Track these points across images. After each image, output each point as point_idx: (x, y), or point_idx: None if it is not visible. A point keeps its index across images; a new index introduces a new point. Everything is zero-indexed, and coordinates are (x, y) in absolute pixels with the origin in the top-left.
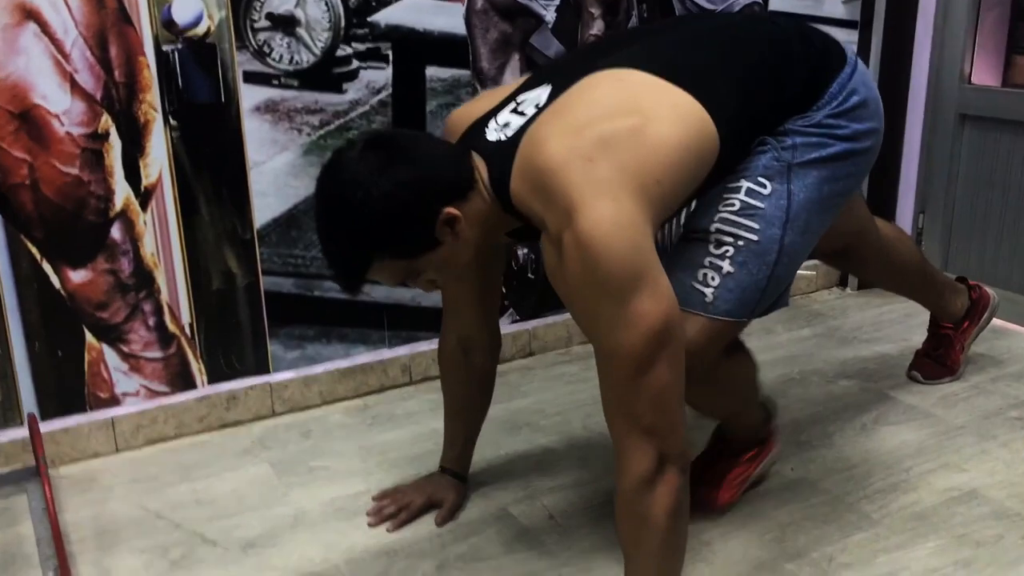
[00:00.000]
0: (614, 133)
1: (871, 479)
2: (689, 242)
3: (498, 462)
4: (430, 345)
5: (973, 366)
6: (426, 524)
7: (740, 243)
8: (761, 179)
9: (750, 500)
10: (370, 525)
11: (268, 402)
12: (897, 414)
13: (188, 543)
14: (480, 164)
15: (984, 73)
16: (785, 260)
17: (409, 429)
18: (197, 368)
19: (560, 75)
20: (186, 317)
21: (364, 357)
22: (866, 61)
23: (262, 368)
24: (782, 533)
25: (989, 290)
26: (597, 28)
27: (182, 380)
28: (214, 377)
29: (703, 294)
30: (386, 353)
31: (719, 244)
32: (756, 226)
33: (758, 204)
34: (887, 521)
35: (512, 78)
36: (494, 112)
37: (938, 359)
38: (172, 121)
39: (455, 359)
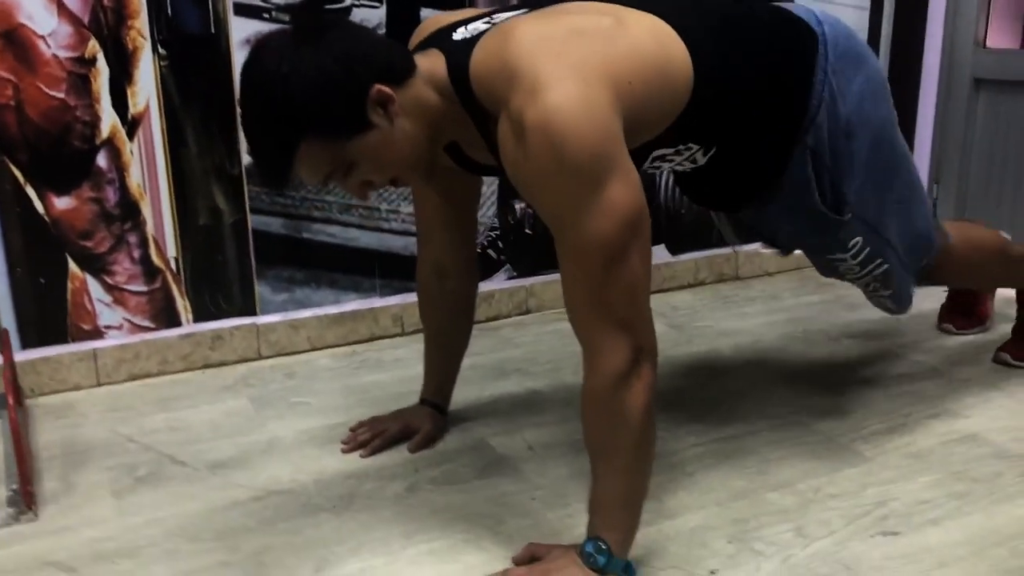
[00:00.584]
0: (588, 26)
1: (867, 422)
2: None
3: (483, 402)
4: None
5: (985, 332)
6: (400, 451)
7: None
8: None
9: (737, 437)
10: (343, 451)
11: (254, 344)
12: (901, 368)
13: (157, 463)
14: (437, 58)
15: (1003, 40)
16: (903, 205)
17: (396, 372)
18: (182, 305)
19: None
20: (172, 251)
21: (354, 304)
22: (878, 28)
23: (249, 309)
24: (767, 466)
25: None
26: None
27: (167, 316)
28: (200, 315)
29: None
30: (377, 302)
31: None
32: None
33: (858, 255)
34: (880, 459)
35: None
36: (466, 21)
37: (965, 310)
38: (161, 50)
39: (430, 285)
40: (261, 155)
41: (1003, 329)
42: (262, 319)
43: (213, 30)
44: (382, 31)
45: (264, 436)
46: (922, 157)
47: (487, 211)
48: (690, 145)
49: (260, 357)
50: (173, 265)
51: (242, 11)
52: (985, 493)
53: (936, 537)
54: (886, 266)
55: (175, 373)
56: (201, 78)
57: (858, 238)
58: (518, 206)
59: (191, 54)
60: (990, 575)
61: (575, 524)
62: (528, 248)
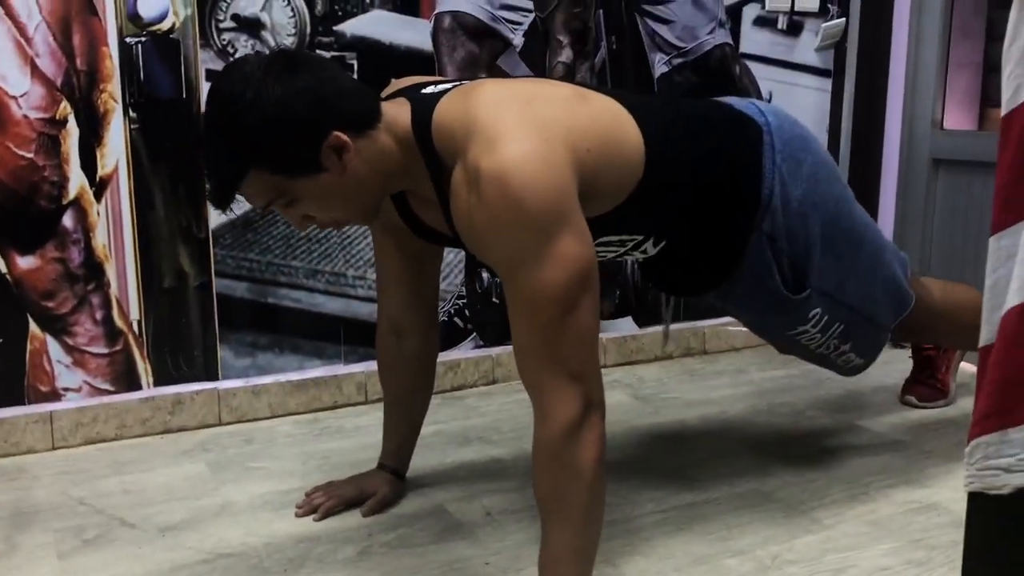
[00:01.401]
0: (551, 94)
1: (829, 491)
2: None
3: (444, 468)
4: None
5: (948, 408)
6: (354, 516)
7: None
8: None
9: (696, 506)
10: (297, 515)
11: (215, 409)
12: (864, 439)
13: (106, 526)
14: (402, 106)
15: (960, 122)
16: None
17: (357, 440)
18: (143, 368)
19: None
20: (135, 314)
21: (318, 371)
22: (839, 108)
23: (211, 374)
24: (728, 532)
25: None
26: (565, 56)
27: (127, 379)
28: (160, 379)
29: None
30: (341, 369)
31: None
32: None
33: (818, 324)
34: (841, 526)
35: None
36: (437, 82)
37: (928, 383)
38: (132, 113)
39: (387, 344)
40: (211, 171)
41: (964, 402)
42: (224, 384)
43: (184, 95)
44: None
45: (218, 500)
46: (885, 233)
47: (454, 279)
48: (635, 236)
49: (220, 423)
50: (135, 327)
51: (214, 77)
52: (944, 560)
53: None
54: (843, 325)
55: (133, 438)
56: (170, 141)
57: (817, 309)
58: (485, 275)
59: (161, 117)
60: None
61: None
62: (495, 317)
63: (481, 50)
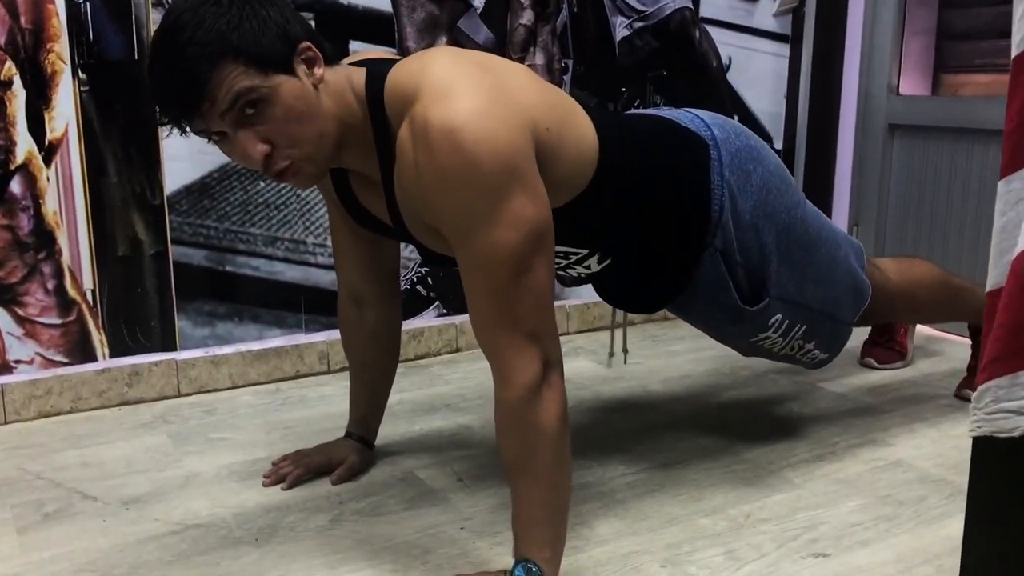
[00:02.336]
0: (515, 70)
1: (795, 451)
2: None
3: (412, 436)
4: None
5: (906, 368)
6: (324, 484)
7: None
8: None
9: (666, 467)
10: (265, 484)
11: (173, 381)
12: (827, 401)
13: (66, 499)
14: (359, 70)
15: (915, 88)
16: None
17: (321, 409)
18: (98, 339)
19: None
20: (88, 283)
21: (278, 341)
22: (797, 74)
23: (168, 344)
24: (699, 493)
25: None
26: (527, 18)
27: (81, 351)
28: (117, 350)
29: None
30: (302, 338)
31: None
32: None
33: (779, 328)
34: (810, 485)
35: None
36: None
37: (886, 345)
38: (81, 75)
39: (348, 313)
40: (178, 71)
41: (922, 364)
42: (182, 355)
43: (136, 55)
44: None
45: (182, 471)
46: (841, 200)
47: None
48: (578, 249)
49: (179, 394)
50: (89, 297)
51: None
52: (912, 515)
53: (866, 558)
54: (806, 326)
55: (89, 410)
56: (123, 104)
57: (778, 315)
58: None
59: (113, 80)
60: None
61: (505, 552)
62: (457, 285)
63: (441, 11)
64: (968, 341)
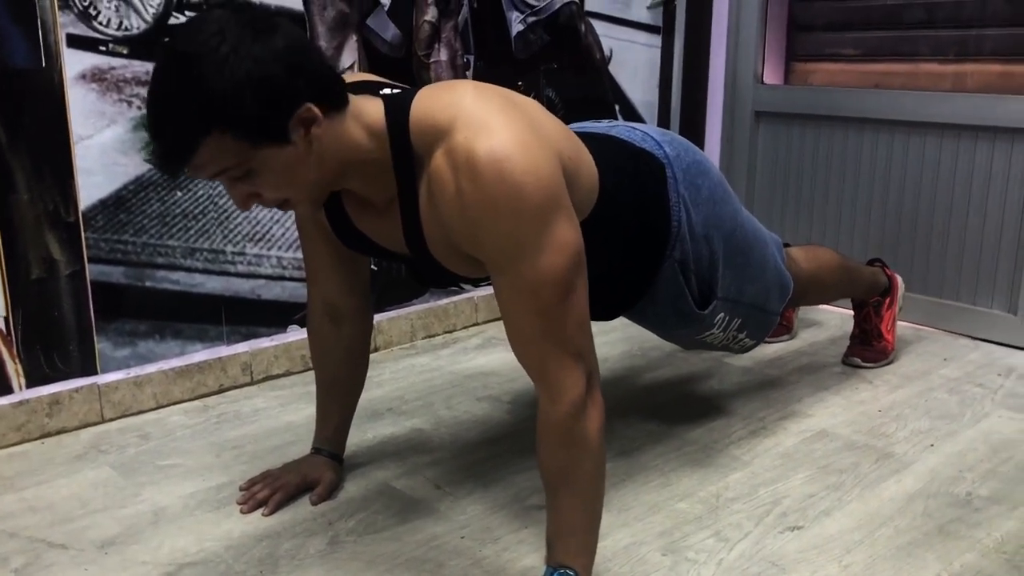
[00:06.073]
0: (529, 101)
1: (732, 428)
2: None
3: (368, 444)
4: (272, 342)
5: (792, 340)
6: (304, 506)
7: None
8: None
9: (627, 455)
10: (243, 512)
11: (96, 406)
12: (737, 376)
13: (31, 551)
14: (373, 101)
15: (771, 76)
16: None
17: (260, 424)
18: (14, 369)
19: None
20: (0, 310)
21: (201, 355)
22: (669, 64)
23: (89, 368)
24: (666, 479)
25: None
26: (431, 15)
27: None
28: (34, 379)
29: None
30: (224, 350)
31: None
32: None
33: (721, 324)
34: (757, 461)
35: (350, 58)
36: (390, 85)
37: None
38: None
39: (322, 329)
40: (167, 131)
41: (807, 334)
42: (104, 378)
43: (44, 63)
44: None
45: (145, 506)
46: None
47: None
48: None
49: (103, 420)
50: (2, 324)
51: (77, 43)
52: (854, 483)
53: (833, 527)
54: (742, 319)
55: (10, 447)
56: (31, 116)
57: (721, 314)
58: None
59: (19, 90)
60: (888, 553)
61: (513, 557)
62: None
63: (351, 9)
64: (843, 311)
